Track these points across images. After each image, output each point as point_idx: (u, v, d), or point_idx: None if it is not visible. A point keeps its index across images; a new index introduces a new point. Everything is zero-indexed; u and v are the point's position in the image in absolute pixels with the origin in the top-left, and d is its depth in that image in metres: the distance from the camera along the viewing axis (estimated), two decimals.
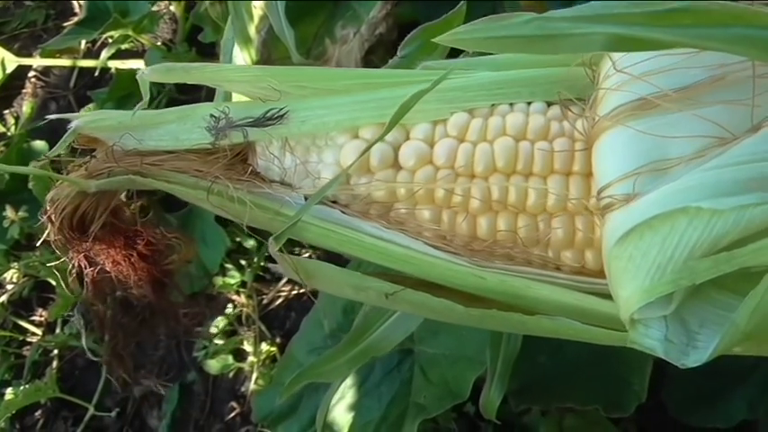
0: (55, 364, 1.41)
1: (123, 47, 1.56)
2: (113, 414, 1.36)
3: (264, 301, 1.38)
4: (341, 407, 1.05)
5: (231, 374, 1.34)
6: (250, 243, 1.39)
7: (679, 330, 0.32)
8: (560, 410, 1.02)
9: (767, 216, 0.30)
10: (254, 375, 1.31)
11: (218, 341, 1.35)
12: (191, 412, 1.35)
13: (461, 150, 0.40)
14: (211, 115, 0.42)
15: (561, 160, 0.39)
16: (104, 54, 1.47)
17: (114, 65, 1.53)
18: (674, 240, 0.30)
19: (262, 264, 1.39)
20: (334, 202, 0.42)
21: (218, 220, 1.37)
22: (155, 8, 1.53)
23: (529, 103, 0.41)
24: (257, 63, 1.03)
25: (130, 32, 1.38)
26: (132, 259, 0.47)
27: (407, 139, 0.41)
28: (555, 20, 0.31)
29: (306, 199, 0.41)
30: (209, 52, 1.45)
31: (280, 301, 1.38)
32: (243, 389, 1.33)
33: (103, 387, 1.38)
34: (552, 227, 0.39)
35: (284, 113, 0.41)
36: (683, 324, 0.33)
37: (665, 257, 0.31)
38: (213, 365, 1.34)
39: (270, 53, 1.03)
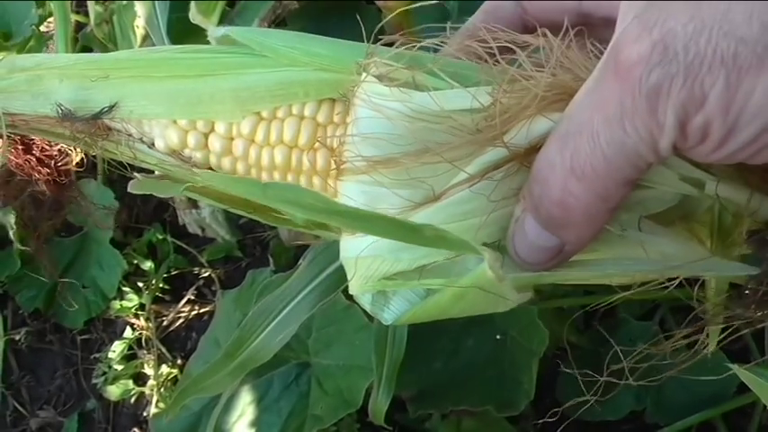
0: None
1: None
2: None
3: (165, 323, 1.36)
4: (241, 424, 1.05)
5: (132, 400, 1.32)
6: (148, 265, 1.37)
7: (380, 299, 0.49)
8: (458, 414, 1.05)
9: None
10: (155, 399, 1.29)
11: (118, 366, 1.32)
12: None
13: (252, 150, 0.50)
14: (59, 106, 0.49)
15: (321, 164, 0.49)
16: None
17: None
18: (374, 267, 0.46)
19: (161, 285, 1.37)
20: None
21: (114, 242, 1.35)
22: (43, 28, 1.49)
23: (304, 104, 0.49)
24: None
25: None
26: (32, 163, 0.62)
27: (212, 130, 0.50)
28: None
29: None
30: None
31: (180, 322, 1.36)
32: (145, 413, 1.31)
33: None
34: None
35: (114, 106, 0.49)
36: (384, 295, 0.49)
37: (370, 274, 0.47)
38: (113, 391, 1.31)
39: None
